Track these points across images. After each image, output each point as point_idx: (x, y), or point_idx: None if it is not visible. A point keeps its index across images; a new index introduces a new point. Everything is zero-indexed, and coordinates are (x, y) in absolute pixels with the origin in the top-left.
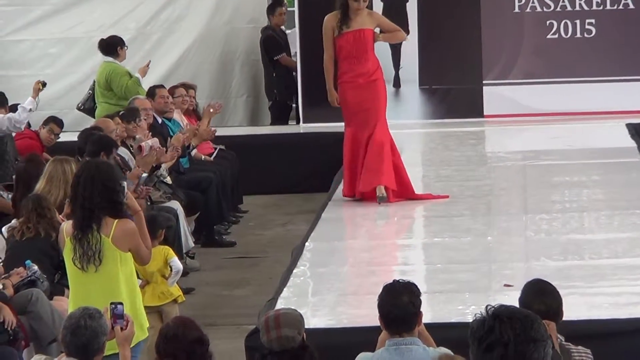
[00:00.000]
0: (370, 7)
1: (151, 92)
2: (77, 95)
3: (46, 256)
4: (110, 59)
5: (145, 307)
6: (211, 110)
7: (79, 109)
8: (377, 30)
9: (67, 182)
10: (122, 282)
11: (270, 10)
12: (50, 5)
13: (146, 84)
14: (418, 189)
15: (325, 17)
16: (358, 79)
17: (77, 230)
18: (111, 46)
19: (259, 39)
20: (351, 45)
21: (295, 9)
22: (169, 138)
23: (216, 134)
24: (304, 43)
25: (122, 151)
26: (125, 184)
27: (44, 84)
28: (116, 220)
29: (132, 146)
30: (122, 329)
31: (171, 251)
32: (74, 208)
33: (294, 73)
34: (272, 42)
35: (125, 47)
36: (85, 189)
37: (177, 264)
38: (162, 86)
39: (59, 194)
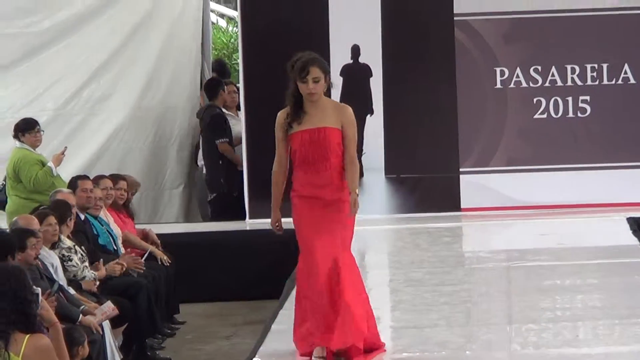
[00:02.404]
0: (328, 94)
1: (73, 184)
2: None
3: None
4: (21, 144)
5: None
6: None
7: None
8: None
9: None
10: None
11: (212, 90)
12: None
13: (65, 173)
14: (384, 296)
15: (278, 114)
16: (317, 194)
17: None
18: (19, 129)
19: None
20: (306, 148)
21: (241, 85)
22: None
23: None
24: (250, 123)
25: (49, 254)
26: (39, 291)
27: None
28: (27, 336)
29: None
30: None
31: None
32: None
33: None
34: (219, 123)
35: (41, 131)
36: None
37: None
38: (85, 177)
39: None
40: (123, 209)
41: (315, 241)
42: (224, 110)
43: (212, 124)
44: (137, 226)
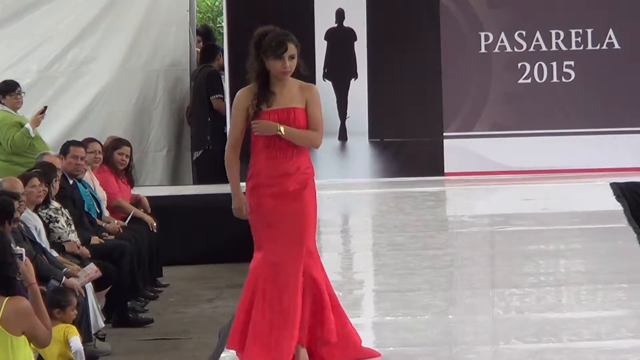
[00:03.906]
0: (296, 73)
1: (65, 149)
2: None
3: None
4: (2, 106)
5: None
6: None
7: None
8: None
9: None
10: None
11: (209, 54)
12: None
13: (48, 136)
14: (367, 260)
15: (238, 93)
16: (280, 182)
17: None
18: (1, 91)
19: (183, 82)
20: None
21: (225, 48)
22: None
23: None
24: (235, 85)
25: (33, 217)
26: (22, 251)
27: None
28: (6, 299)
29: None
30: None
31: (73, 329)
32: None
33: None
34: (216, 79)
35: (22, 93)
36: None
37: (76, 343)
38: (79, 143)
39: None
40: (124, 174)
41: (273, 234)
42: None
43: (208, 80)
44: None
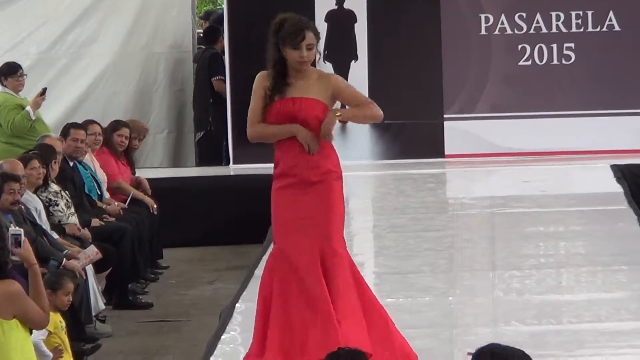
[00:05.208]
0: (313, 63)
1: (65, 131)
2: None
3: None
4: (3, 88)
5: None
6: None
7: None
8: (337, 104)
9: None
10: (13, 354)
11: (212, 36)
12: None
13: (49, 118)
14: (368, 242)
15: (258, 75)
16: (296, 175)
17: None
18: (2, 73)
19: (184, 65)
20: (284, 120)
21: (225, 29)
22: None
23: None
24: (235, 67)
25: (33, 199)
26: (21, 232)
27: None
28: None
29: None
30: None
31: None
32: None
33: None
34: (218, 61)
35: (24, 75)
36: None
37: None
38: (79, 126)
39: None
40: (123, 155)
41: (291, 229)
42: None
43: (210, 61)
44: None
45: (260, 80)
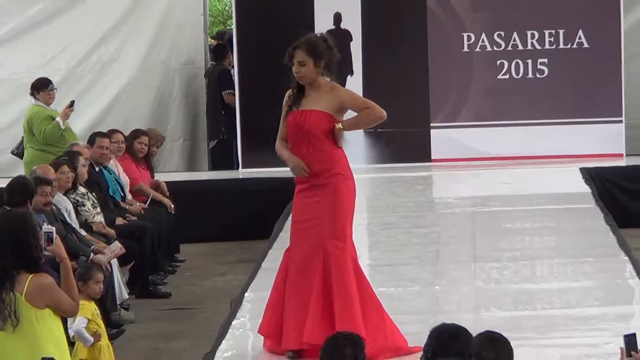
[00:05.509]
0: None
1: (92, 139)
2: (4, 139)
3: None
4: (36, 101)
5: None
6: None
7: (12, 153)
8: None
9: None
10: (46, 340)
11: (220, 54)
12: None
13: (77, 127)
14: (362, 238)
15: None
16: (308, 181)
17: None
18: (35, 88)
19: (197, 79)
20: (293, 130)
21: (234, 46)
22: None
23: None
24: (243, 75)
25: (63, 200)
26: (53, 229)
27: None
28: (31, 276)
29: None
30: None
31: (86, 308)
32: None
33: None
34: (227, 76)
35: (54, 89)
36: None
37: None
38: (105, 135)
39: None
40: (143, 161)
41: (299, 230)
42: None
43: (220, 77)
44: None
45: (285, 99)
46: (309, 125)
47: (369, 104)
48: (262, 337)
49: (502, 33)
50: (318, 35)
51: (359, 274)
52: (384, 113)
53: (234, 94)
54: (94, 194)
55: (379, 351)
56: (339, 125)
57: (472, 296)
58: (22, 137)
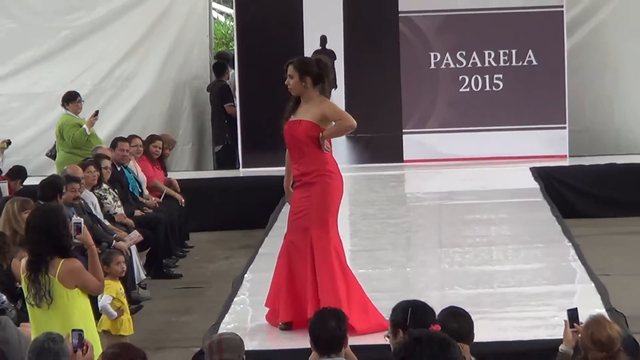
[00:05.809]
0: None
1: (114, 143)
2: (39, 144)
3: (6, 288)
4: (66, 111)
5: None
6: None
7: (47, 155)
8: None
9: (10, 221)
10: (75, 315)
11: (220, 70)
12: (13, 65)
13: (101, 133)
14: (345, 227)
15: None
16: (297, 179)
17: (29, 272)
18: (65, 100)
19: (204, 92)
20: (288, 137)
21: (236, 62)
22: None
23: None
24: (244, 88)
25: (90, 195)
26: (81, 220)
27: (8, 143)
28: (62, 260)
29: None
30: (83, 353)
31: (112, 287)
32: (26, 251)
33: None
34: (227, 91)
35: (82, 101)
36: (32, 236)
37: (103, 301)
38: (125, 139)
39: (7, 231)
40: (157, 161)
41: (292, 221)
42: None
43: (221, 92)
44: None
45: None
46: (299, 133)
47: (343, 115)
48: (264, 310)
49: (464, 52)
50: (314, 58)
51: (343, 263)
52: (354, 123)
53: (234, 106)
54: (115, 190)
55: (366, 328)
56: (321, 134)
57: (439, 277)
58: (55, 142)
